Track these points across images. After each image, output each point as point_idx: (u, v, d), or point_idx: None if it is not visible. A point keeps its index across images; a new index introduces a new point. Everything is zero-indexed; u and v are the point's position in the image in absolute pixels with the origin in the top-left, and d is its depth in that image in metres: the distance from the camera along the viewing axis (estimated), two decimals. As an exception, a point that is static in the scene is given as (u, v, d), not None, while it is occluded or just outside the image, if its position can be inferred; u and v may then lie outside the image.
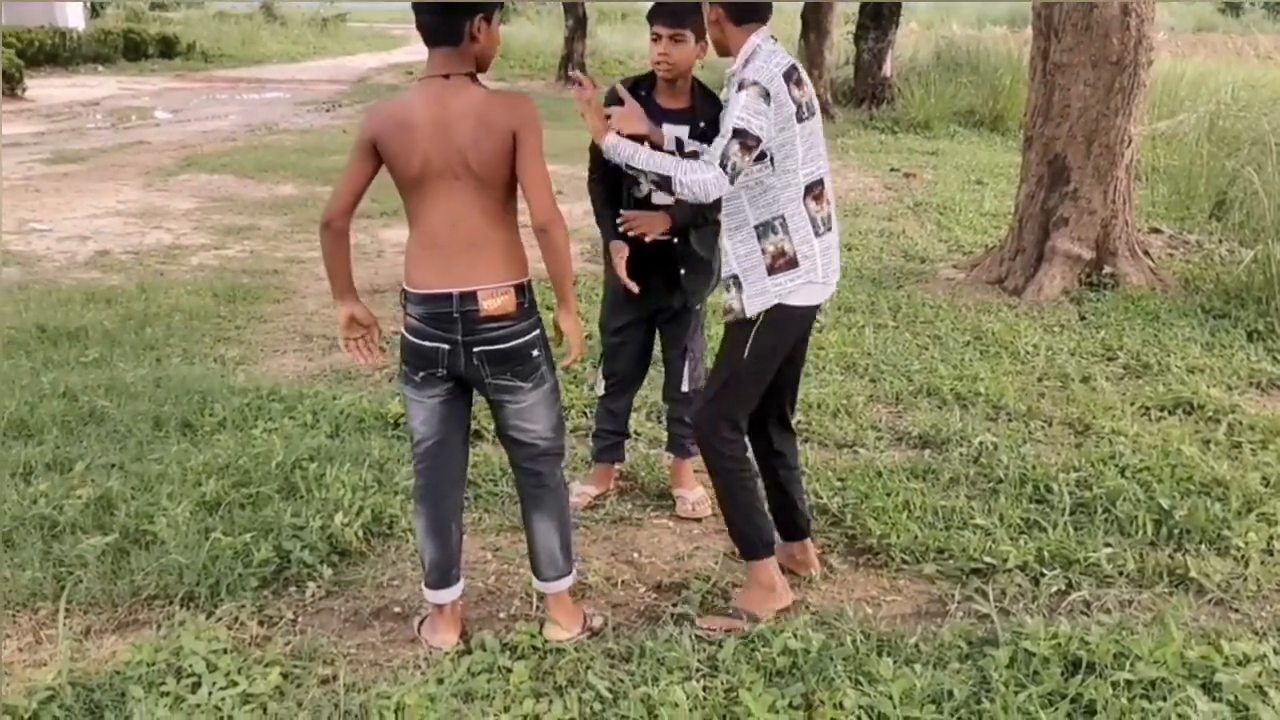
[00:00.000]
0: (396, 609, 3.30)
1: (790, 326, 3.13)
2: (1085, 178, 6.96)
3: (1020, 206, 7.30)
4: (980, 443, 4.47)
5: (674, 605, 3.31)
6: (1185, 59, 17.03)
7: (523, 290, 2.83)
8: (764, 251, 3.04)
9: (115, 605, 3.22)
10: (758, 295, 3.06)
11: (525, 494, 3.07)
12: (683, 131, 3.56)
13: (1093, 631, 2.97)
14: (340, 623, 3.22)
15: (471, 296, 2.77)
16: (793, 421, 3.46)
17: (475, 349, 2.81)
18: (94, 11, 33.14)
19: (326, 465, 4.02)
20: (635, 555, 3.68)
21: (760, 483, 3.32)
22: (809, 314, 3.18)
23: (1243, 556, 3.57)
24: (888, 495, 3.97)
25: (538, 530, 3.05)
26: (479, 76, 2.82)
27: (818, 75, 16.10)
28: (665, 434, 4.26)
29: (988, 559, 3.54)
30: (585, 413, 4.74)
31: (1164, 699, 2.71)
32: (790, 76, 2.98)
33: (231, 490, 3.84)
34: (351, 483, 3.90)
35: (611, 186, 3.72)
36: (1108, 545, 3.62)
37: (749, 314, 3.06)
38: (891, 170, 12.11)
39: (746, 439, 3.25)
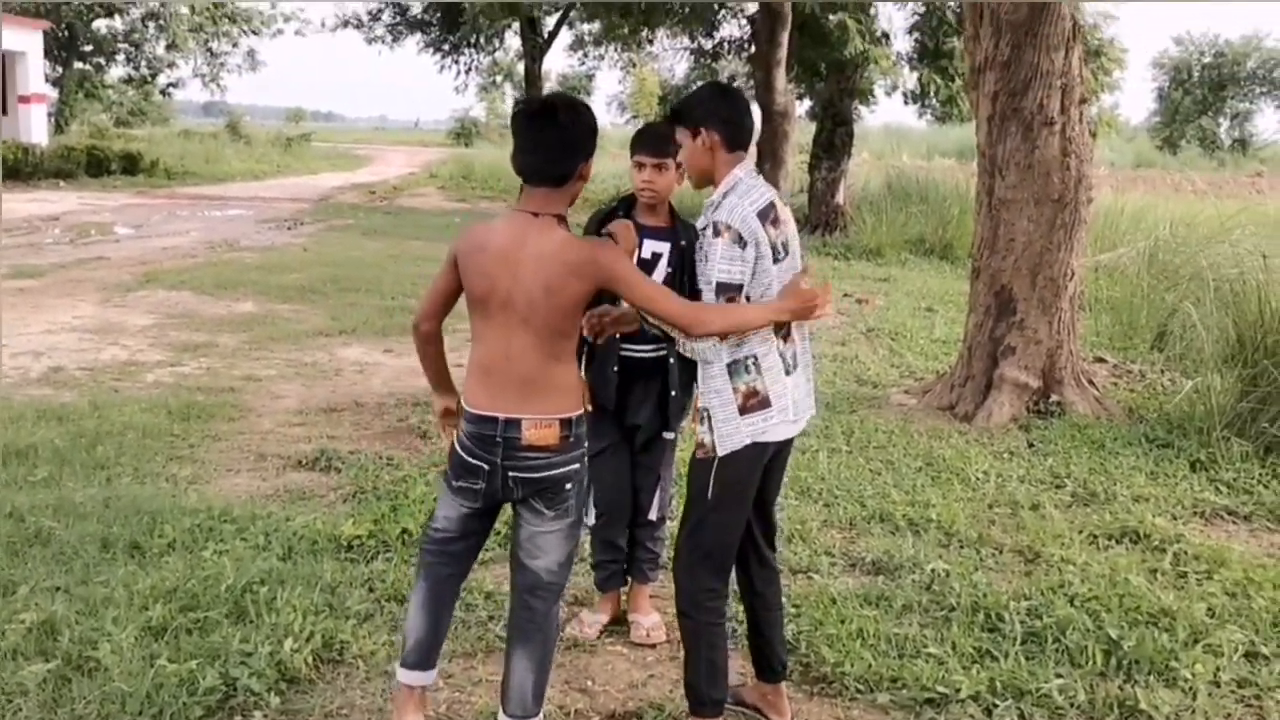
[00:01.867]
0: (345, 739, 3.24)
1: (753, 462, 3.05)
2: (1031, 309, 7.18)
3: (969, 335, 7.49)
4: (932, 570, 4.50)
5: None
6: (1125, 194, 17.69)
7: (569, 424, 2.91)
8: (735, 390, 2.98)
9: (54, 735, 3.14)
10: (729, 435, 3.00)
11: (514, 625, 3.05)
12: (664, 248, 3.72)
13: (1045, 764, 2.97)
14: (286, 754, 3.16)
15: (516, 424, 2.87)
16: (773, 560, 3.39)
17: (511, 473, 2.91)
18: (58, 127, 33.44)
19: (277, 589, 3.97)
20: (589, 683, 3.65)
21: (727, 641, 3.21)
22: (774, 448, 3.11)
23: (1190, 688, 3.61)
24: (841, 623, 3.98)
25: (516, 666, 3.01)
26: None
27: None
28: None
29: (941, 689, 3.54)
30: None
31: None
32: (766, 215, 2.98)
33: (179, 615, 3.77)
34: (303, 607, 3.85)
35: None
36: (1059, 676, 3.64)
37: (719, 453, 3.00)
38: (844, 296, 12.37)
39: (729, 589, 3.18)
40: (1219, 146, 48.16)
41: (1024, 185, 7.13)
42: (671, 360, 3.75)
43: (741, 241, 2.92)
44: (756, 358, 2.99)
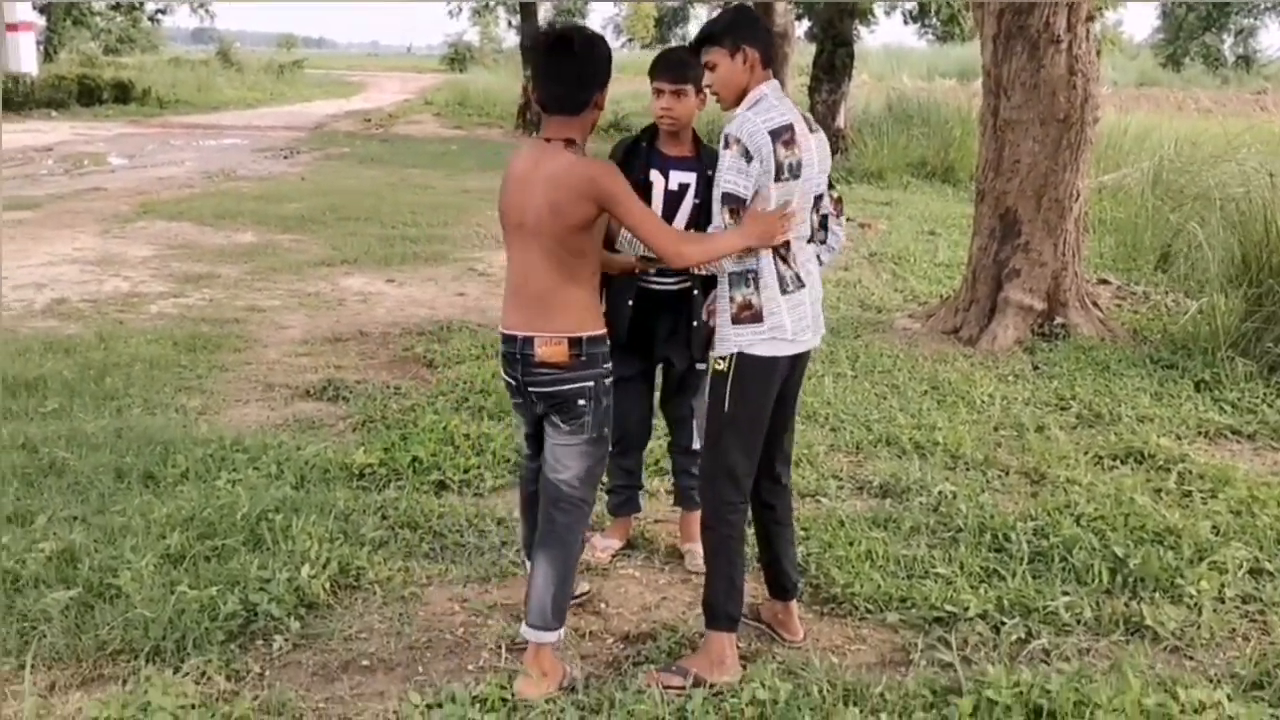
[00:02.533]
0: (365, 662, 3.29)
1: (762, 377, 3.12)
2: (1036, 231, 7.14)
3: (973, 258, 7.47)
4: (939, 492, 4.55)
5: (643, 656, 3.33)
6: (1129, 113, 17.51)
7: (579, 344, 3.03)
8: (731, 300, 3.11)
9: (80, 660, 3.19)
10: (722, 340, 3.15)
11: (538, 538, 3.17)
12: (690, 178, 3.67)
13: (1053, 680, 3.03)
14: (308, 676, 3.21)
15: (530, 342, 3.04)
16: (786, 477, 3.44)
17: (530, 388, 3.10)
18: (47, 56, 32.93)
19: (292, 517, 4.01)
20: (603, 606, 3.71)
21: (743, 556, 3.28)
22: (784, 366, 3.17)
23: (1195, 604, 3.67)
24: (850, 545, 4.03)
25: (538, 575, 3.12)
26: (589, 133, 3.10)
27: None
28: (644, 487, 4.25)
29: (949, 608, 3.60)
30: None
31: (1123, 745, 2.77)
32: (779, 135, 3.01)
33: (196, 542, 3.82)
34: (318, 535, 3.90)
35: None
36: (1065, 594, 3.70)
37: (717, 354, 3.16)
38: (847, 220, 12.27)
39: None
40: (1223, 64, 47.54)
41: (1029, 105, 7.05)
42: (695, 291, 3.73)
43: (748, 155, 2.99)
44: (757, 273, 3.09)
